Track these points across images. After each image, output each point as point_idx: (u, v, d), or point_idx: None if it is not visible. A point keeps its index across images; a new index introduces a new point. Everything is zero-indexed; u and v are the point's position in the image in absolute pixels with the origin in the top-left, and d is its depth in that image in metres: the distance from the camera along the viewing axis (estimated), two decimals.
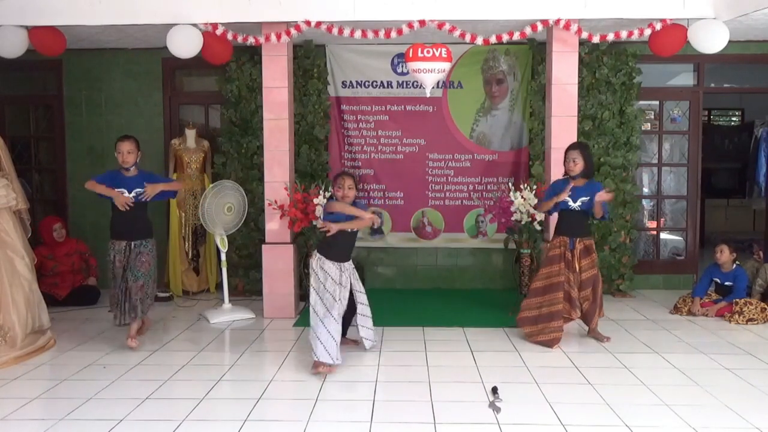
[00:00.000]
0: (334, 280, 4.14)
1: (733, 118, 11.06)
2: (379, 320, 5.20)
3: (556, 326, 4.61)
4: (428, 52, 4.99)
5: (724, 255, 5.58)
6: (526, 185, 5.58)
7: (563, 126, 5.50)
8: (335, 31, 5.32)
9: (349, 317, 4.42)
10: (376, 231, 6.73)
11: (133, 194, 4.54)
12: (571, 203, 4.61)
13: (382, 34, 5.29)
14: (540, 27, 5.32)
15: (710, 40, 5.18)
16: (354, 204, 4.22)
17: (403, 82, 6.60)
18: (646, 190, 7.15)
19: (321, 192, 5.46)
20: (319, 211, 5.36)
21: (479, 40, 5.28)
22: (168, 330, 5.27)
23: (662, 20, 5.28)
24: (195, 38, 5.29)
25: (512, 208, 5.46)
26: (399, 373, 4.11)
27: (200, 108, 7.09)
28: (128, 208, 4.51)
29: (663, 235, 7.15)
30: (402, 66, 6.51)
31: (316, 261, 4.20)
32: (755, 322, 5.29)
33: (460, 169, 6.67)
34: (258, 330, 5.24)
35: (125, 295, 4.56)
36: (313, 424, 3.30)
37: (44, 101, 7.10)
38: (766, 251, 6.33)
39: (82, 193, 6.50)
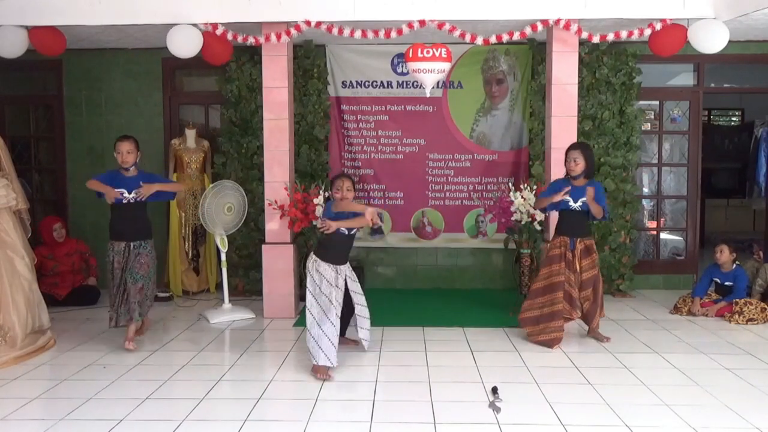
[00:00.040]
0: (330, 283, 4.10)
1: (733, 118, 11.06)
2: (379, 320, 5.21)
3: (556, 326, 4.61)
4: (428, 52, 4.99)
5: (724, 255, 5.58)
6: (526, 185, 5.58)
7: (563, 126, 5.50)
8: (335, 31, 5.32)
9: (347, 317, 4.42)
10: (376, 231, 6.73)
11: (132, 194, 4.53)
12: (571, 203, 4.61)
13: (382, 34, 5.29)
14: (540, 27, 5.32)
15: (710, 40, 5.18)
16: None
17: (403, 82, 6.60)
18: (646, 190, 7.15)
19: (321, 192, 5.46)
20: (319, 211, 5.36)
21: (479, 40, 5.28)
22: (168, 330, 5.27)
23: (662, 20, 5.28)
24: (195, 38, 5.29)
25: (512, 208, 5.46)
26: (399, 373, 4.11)
27: (200, 108, 7.09)
28: (115, 201, 4.48)
29: (663, 235, 7.15)
30: (402, 66, 6.51)
31: (312, 263, 4.17)
32: (755, 322, 5.29)
33: (460, 169, 6.67)
34: (258, 330, 5.24)
35: (123, 297, 4.54)
36: (313, 424, 3.30)
37: (44, 101, 7.10)
38: (766, 251, 6.33)
39: (82, 193, 6.52)
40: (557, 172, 5.20)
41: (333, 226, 4.02)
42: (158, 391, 3.80)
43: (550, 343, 4.60)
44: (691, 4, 5.20)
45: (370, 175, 6.72)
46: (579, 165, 4.59)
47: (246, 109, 6.40)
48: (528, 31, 5.31)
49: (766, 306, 5.37)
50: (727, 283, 5.58)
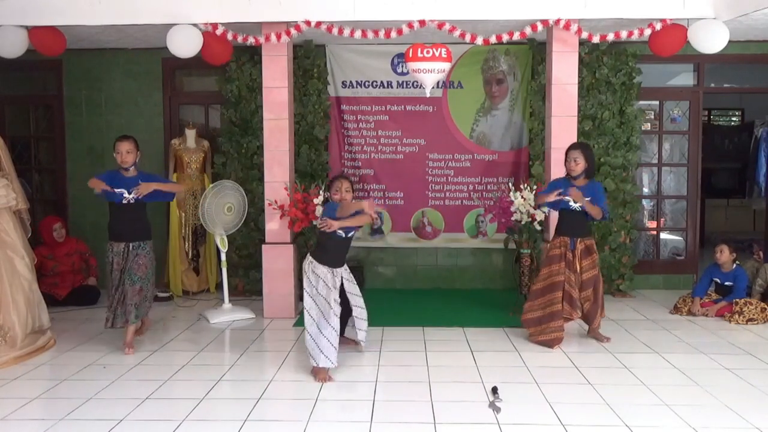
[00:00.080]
0: (326, 284, 4.06)
1: (733, 118, 11.06)
2: (379, 320, 5.22)
3: (556, 326, 4.61)
4: (428, 52, 4.99)
5: (724, 255, 5.58)
6: (526, 185, 5.57)
7: (563, 126, 5.50)
8: (335, 31, 5.32)
9: (344, 318, 4.37)
10: (376, 231, 6.73)
11: (132, 194, 4.52)
12: (572, 203, 4.60)
13: (382, 34, 5.29)
14: (540, 27, 5.32)
15: (710, 40, 5.18)
16: None
17: (403, 82, 6.60)
18: (646, 190, 7.15)
19: (321, 192, 5.45)
20: (319, 212, 5.36)
21: (479, 40, 5.28)
22: (168, 330, 5.27)
23: (662, 20, 5.28)
24: (195, 38, 5.29)
25: (512, 208, 5.46)
26: (399, 373, 4.11)
27: (200, 108, 7.10)
28: (115, 201, 4.46)
29: (663, 235, 7.15)
30: (402, 66, 6.52)
31: (308, 265, 4.13)
32: (755, 322, 5.29)
33: (460, 169, 6.67)
34: (258, 330, 5.24)
35: (120, 298, 4.52)
36: (313, 424, 3.30)
37: (44, 101, 7.10)
38: (766, 251, 6.33)
39: (82, 193, 6.54)
40: (557, 172, 5.19)
41: (335, 225, 3.98)
42: (158, 391, 3.80)
43: (550, 343, 4.60)
44: (691, 4, 5.20)
45: (370, 175, 6.72)
46: (579, 165, 4.58)
47: (246, 109, 6.40)
48: (528, 31, 5.31)
49: (766, 306, 5.37)
50: (727, 283, 5.58)
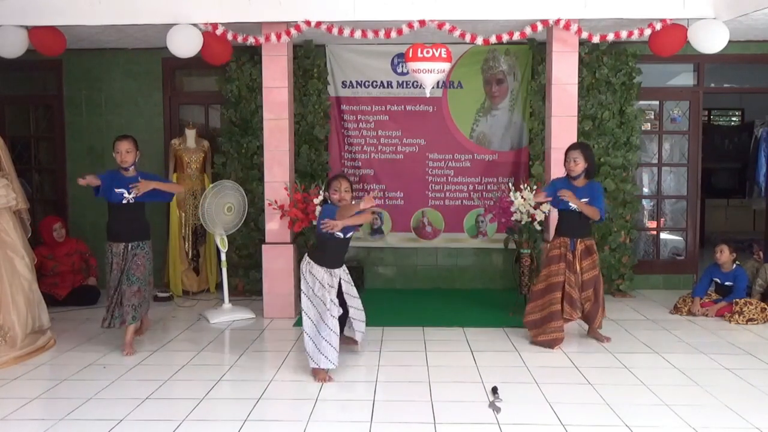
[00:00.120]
0: (323, 285, 4.02)
1: (733, 118, 11.06)
2: (379, 320, 5.22)
3: (556, 326, 4.60)
4: (428, 52, 4.99)
5: (724, 255, 5.58)
6: (526, 185, 5.57)
7: (563, 126, 5.50)
8: (335, 31, 5.32)
9: (342, 318, 4.31)
10: (376, 231, 6.73)
11: (132, 194, 4.51)
12: (571, 204, 4.59)
13: (382, 34, 5.29)
14: (540, 27, 5.32)
15: (710, 40, 5.18)
16: None
17: (403, 82, 6.60)
18: (646, 190, 7.15)
19: (321, 192, 5.45)
20: (318, 212, 5.34)
21: (479, 40, 5.28)
22: (168, 330, 5.27)
23: (662, 20, 5.28)
24: (195, 38, 5.29)
25: (512, 208, 5.45)
26: (399, 373, 4.11)
27: (200, 108, 7.10)
28: (114, 201, 4.46)
29: (663, 235, 7.15)
30: (402, 66, 6.52)
31: (306, 266, 4.10)
32: (755, 322, 5.29)
33: (460, 169, 6.67)
34: (258, 330, 5.24)
35: (117, 299, 4.51)
36: (313, 424, 3.30)
37: (44, 101, 7.10)
38: (766, 251, 6.34)
39: (82, 193, 6.51)
40: (557, 172, 5.19)
41: (338, 224, 3.92)
42: (158, 391, 3.80)
43: (551, 344, 4.60)
44: (691, 4, 5.20)
45: (370, 175, 6.72)
46: (578, 165, 4.58)
47: (246, 109, 6.40)
48: (528, 31, 5.31)
49: (766, 306, 5.37)
50: (727, 283, 5.58)
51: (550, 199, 4.69)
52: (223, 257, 5.77)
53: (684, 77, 7.08)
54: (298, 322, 5.36)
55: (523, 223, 5.47)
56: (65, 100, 6.84)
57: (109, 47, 6.61)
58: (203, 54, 5.45)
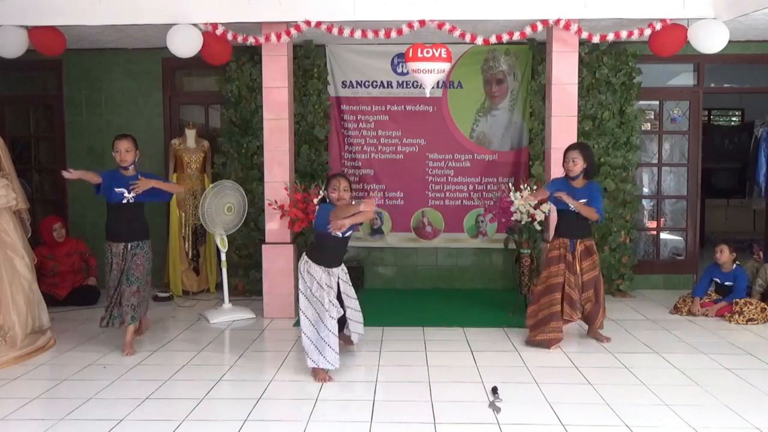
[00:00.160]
0: (320, 285, 4.00)
1: (733, 118, 11.06)
2: (379, 320, 5.23)
3: (555, 327, 4.59)
4: (428, 52, 4.99)
5: (724, 255, 5.58)
6: (526, 185, 5.57)
7: (563, 126, 5.50)
8: (335, 31, 5.32)
9: (341, 319, 4.27)
10: (376, 231, 6.73)
11: (131, 193, 4.51)
12: (570, 205, 4.59)
13: (382, 34, 5.29)
14: (540, 27, 5.32)
15: (710, 40, 5.18)
16: None
17: (403, 82, 6.60)
18: (646, 190, 7.15)
19: (321, 192, 5.44)
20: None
21: (479, 40, 5.28)
22: (168, 330, 5.27)
23: (662, 20, 5.28)
24: (195, 38, 5.29)
25: (512, 208, 5.45)
26: (399, 373, 4.11)
27: (200, 108, 7.10)
28: (114, 201, 4.46)
29: (663, 235, 7.15)
30: (402, 66, 6.51)
31: (304, 264, 4.08)
32: (755, 322, 5.29)
33: (460, 169, 6.67)
34: (258, 330, 5.24)
35: (117, 299, 4.51)
36: (313, 424, 3.30)
37: (44, 101, 7.10)
38: (766, 251, 6.33)
39: (82, 193, 6.55)
40: (557, 172, 5.19)
41: (347, 223, 3.85)
42: (158, 391, 3.80)
43: (547, 344, 4.59)
44: (691, 4, 5.20)
45: (370, 175, 6.72)
46: (577, 165, 4.57)
47: (246, 109, 6.40)
48: (528, 31, 5.31)
49: (766, 306, 5.37)
50: (727, 283, 5.58)
51: (547, 194, 4.69)
52: (223, 257, 5.77)
53: (684, 77, 7.08)
54: (298, 322, 5.35)
55: (523, 223, 5.47)
56: (65, 100, 6.84)
57: (109, 47, 6.61)
58: (203, 54, 5.45)
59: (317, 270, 4.04)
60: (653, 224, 7.10)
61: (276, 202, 5.55)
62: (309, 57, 6.39)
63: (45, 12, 5.29)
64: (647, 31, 5.32)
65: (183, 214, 6.57)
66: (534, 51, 6.39)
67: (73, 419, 3.37)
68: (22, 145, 7.14)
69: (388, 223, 6.74)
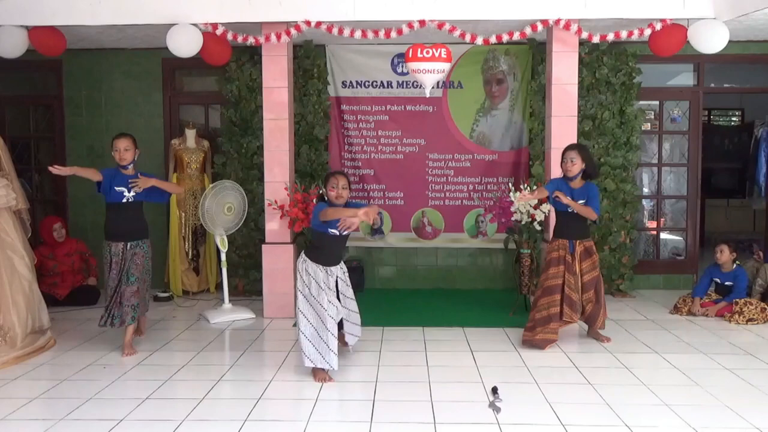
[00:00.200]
0: (319, 284, 3.97)
1: (733, 118, 11.06)
2: (379, 320, 5.23)
3: (551, 328, 4.57)
4: (428, 52, 4.99)
5: (724, 255, 5.58)
6: (526, 185, 5.57)
7: (563, 126, 5.50)
8: (335, 31, 5.32)
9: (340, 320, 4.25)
10: (376, 231, 6.73)
11: (131, 192, 4.51)
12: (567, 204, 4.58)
13: (382, 34, 5.29)
14: (540, 27, 5.32)
15: (710, 40, 5.19)
16: (347, 205, 4.00)
17: (403, 82, 6.60)
18: (646, 190, 7.15)
19: (320, 190, 5.44)
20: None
21: (479, 40, 5.28)
22: (168, 330, 5.27)
23: (662, 20, 5.28)
24: (195, 38, 5.29)
25: (512, 208, 5.46)
26: (399, 373, 4.11)
27: (200, 108, 7.10)
28: (113, 200, 4.45)
29: (663, 235, 7.15)
30: (402, 66, 6.52)
31: (302, 263, 4.05)
32: (755, 322, 5.29)
33: (460, 169, 6.67)
34: (258, 330, 5.24)
35: (117, 299, 4.50)
36: (313, 424, 3.30)
37: (44, 101, 7.10)
38: (766, 251, 6.34)
39: (82, 193, 6.55)
40: (557, 172, 5.18)
41: (356, 222, 3.80)
42: (158, 391, 3.80)
43: (541, 344, 4.56)
44: (691, 4, 5.20)
45: (370, 175, 6.72)
46: (575, 165, 4.57)
47: (246, 109, 6.40)
48: (528, 31, 5.31)
49: (766, 306, 5.37)
50: (727, 283, 5.58)
51: (546, 193, 4.68)
52: (223, 257, 5.77)
53: (684, 77, 7.07)
54: None
55: (523, 223, 5.47)
56: (65, 101, 6.84)
57: (109, 47, 6.61)
58: (203, 54, 5.45)
59: (315, 268, 4.02)
60: (653, 224, 7.10)
61: (276, 202, 5.55)
62: (309, 57, 6.39)
63: (45, 12, 5.29)
64: (647, 31, 5.33)
65: (183, 214, 6.57)
66: (534, 51, 6.39)
67: (73, 419, 3.37)
68: (22, 146, 7.14)
69: (388, 223, 6.74)
